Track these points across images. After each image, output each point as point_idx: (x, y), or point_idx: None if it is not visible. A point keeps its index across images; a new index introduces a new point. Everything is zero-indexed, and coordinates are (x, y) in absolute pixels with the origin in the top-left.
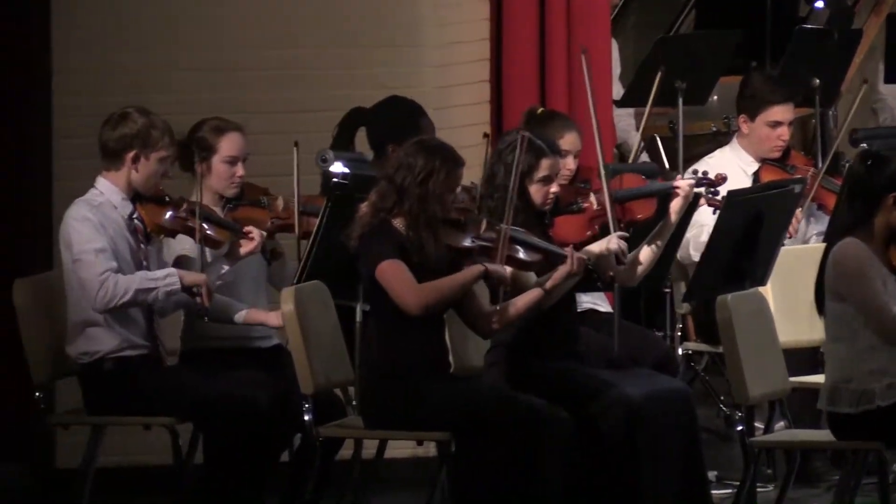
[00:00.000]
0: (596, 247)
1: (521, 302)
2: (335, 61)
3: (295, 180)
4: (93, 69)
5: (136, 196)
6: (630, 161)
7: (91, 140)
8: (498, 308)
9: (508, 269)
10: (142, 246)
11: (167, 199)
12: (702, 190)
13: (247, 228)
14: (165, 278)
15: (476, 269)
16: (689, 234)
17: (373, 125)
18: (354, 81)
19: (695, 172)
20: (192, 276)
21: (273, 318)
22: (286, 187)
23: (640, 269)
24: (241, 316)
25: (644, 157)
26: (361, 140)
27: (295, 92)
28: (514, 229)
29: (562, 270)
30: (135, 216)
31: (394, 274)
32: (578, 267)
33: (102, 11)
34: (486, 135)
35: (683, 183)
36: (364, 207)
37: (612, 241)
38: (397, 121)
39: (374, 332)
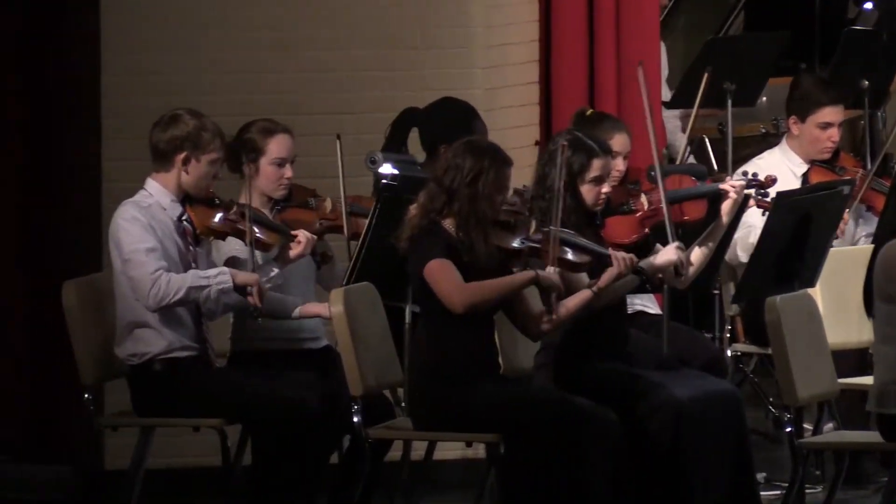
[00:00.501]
0: (659, 259)
1: (571, 303)
2: (383, 63)
3: (340, 173)
4: (141, 70)
5: (185, 198)
6: (678, 163)
7: (139, 141)
8: (548, 310)
9: (558, 278)
10: (191, 248)
11: (217, 201)
12: (751, 191)
13: (295, 231)
14: (217, 276)
15: (527, 274)
16: (738, 234)
17: (425, 126)
18: (403, 83)
19: (744, 174)
20: (245, 276)
21: (327, 309)
22: (334, 189)
23: (690, 270)
24: (297, 311)
25: (691, 159)
26: (413, 141)
27: (342, 94)
28: (563, 231)
29: (610, 272)
30: (184, 218)
31: (441, 272)
32: (626, 267)
33: (151, 13)
34: (537, 142)
35: (734, 183)
36: (413, 209)
37: (672, 253)
38: (450, 122)
39: (423, 333)
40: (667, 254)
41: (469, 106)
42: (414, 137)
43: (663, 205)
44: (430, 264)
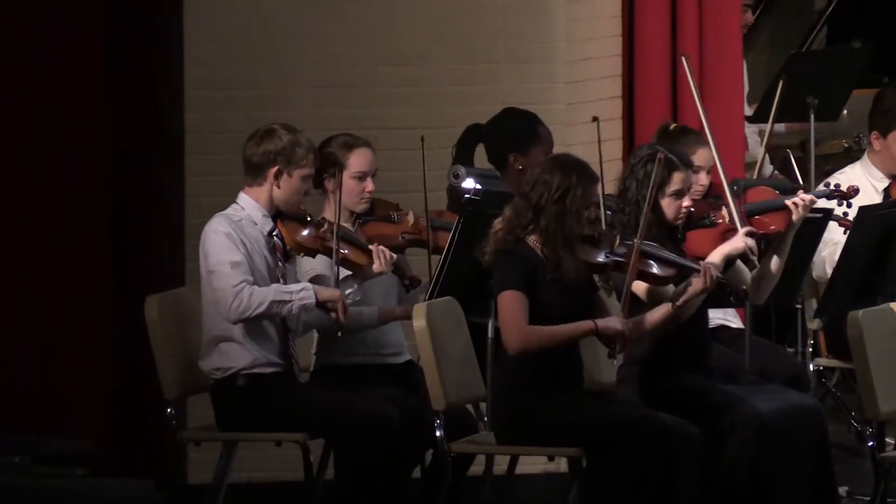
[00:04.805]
0: (725, 247)
1: (653, 317)
2: (464, 77)
3: (423, 172)
4: (224, 86)
5: (276, 214)
6: (755, 176)
7: (223, 157)
8: (610, 354)
9: (621, 324)
10: (280, 264)
11: (308, 218)
12: (833, 203)
13: (373, 247)
14: (301, 292)
15: (587, 325)
16: (824, 252)
17: (491, 139)
18: (484, 98)
19: (826, 185)
20: (328, 292)
21: (404, 311)
22: (416, 203)
23: (764, 284)
24: (373, 318)
25: (771, 173)
26: (479, 157)
27: (424, 108)
28: (647, 244)
29: (695, 285)
30: (275, 233)
31: (510, 306)
32: (712, 282)
33: (234, 30)
34: (595, 118)
35: (804, 197)
36: (498, 223)
37: (739, 240)
38: (515, 131)
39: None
40: (732, 241)
41: (531, 113)
42: (480, 152)
43: (730, 201)
44: (504, 294)
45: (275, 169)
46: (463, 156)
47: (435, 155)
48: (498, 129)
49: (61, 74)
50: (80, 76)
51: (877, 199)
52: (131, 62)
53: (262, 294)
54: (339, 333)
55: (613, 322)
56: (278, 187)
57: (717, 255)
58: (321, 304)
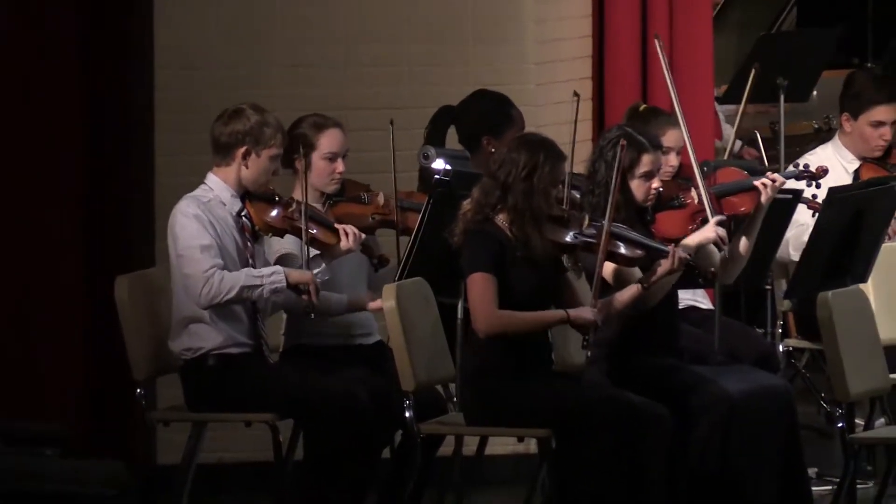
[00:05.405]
0: (696, 236)
1: (622, 297)
2: (434, 58)
3: (392, 158)
4: (193, 65)
5: (245, 194)
6: (725, 157)
7: (192, 136)
8: (584, 344)
9: (593, 314)
10: (248, 244)
11: (277, 198)
12: (802, 184)
13: (340, 226)
14: (272, 276)
15: (559, 314)
16: (790, 233)
17: (463, 120)
18: (454, 78)
19: (796, 166)
20: (298, 274)
21: (372, 303)
22: (386, 184)
23: (733, 264)
24: (342, 305)
25: (740, 148)
26: (451, 138)
27: (392, 88)
28: (615, 225)
29: (663, 266)
30: (243, 214)
31: (479, 288)
32: (679, 263)
33: (204, 8)
34: (575, 93)
35: (773, 177)
36: (466, 204)
37: (710, 230)
38: (488, 113)
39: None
40: (703, 231)
41: (503, 95)
42: (451, 134)
43: (700, 183)
44: (474, 276)
45: (243, 149)
46: (435, 137)
47: (405, 136)
48: (470, 112)
49: (37, 55)
50: (54, 56)
51: (847, 180)
52: (101, 42)
53: (232, 279)
54: (312, 315)
55: (585, 312)
56: (246, 167)
57: (687, 245)
58: (292, 287)
